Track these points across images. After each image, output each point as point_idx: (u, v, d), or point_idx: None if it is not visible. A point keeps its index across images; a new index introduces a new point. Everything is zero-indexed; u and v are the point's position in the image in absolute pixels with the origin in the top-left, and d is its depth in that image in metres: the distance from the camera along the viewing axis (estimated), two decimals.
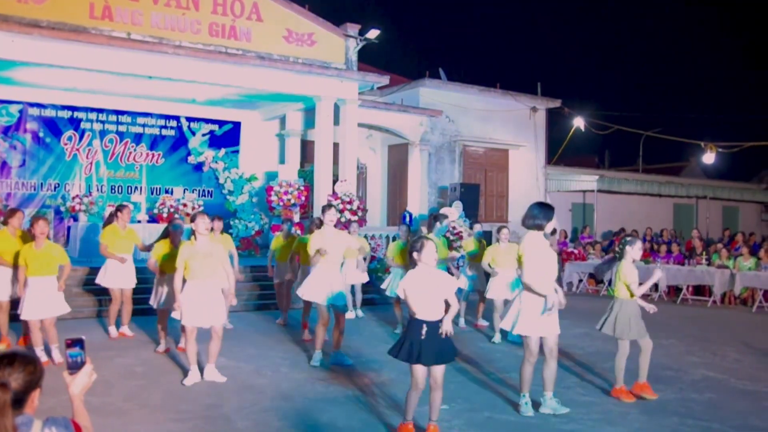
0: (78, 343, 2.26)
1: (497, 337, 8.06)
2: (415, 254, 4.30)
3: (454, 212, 13.63)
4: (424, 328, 4.20)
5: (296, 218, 12.75)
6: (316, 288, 6.45)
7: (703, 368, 6.79)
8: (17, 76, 11.66)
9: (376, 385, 5.86)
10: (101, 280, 7.90)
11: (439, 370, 4.29)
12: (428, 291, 4.26)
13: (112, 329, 7.81)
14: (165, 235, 7.24)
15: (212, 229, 7.24)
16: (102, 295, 8.89)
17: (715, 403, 5.51)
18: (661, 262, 13.17)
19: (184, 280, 5.84)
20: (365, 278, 9.57)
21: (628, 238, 5.73)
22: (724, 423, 4.92)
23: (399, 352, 4.26)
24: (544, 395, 5.16)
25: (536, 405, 5.14)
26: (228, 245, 7.94)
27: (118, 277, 7.80)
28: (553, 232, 7.87)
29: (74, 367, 2.25)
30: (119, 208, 8.06)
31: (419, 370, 4.27)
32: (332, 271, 6.51)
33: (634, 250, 5.54)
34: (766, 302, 11.63)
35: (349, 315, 9.34)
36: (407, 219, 14.85)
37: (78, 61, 10.64)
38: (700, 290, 12.68)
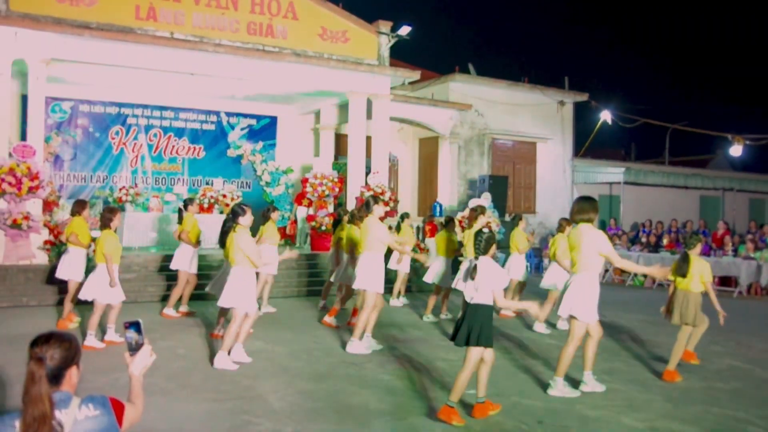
0: (134, 325, 2.36)
1: (542, 327, 8.14)
2: (492, 248, 4.70)
3: (485, 203, 13.86)
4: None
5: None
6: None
7: (729, 358, 6.83)
8: (69, 75, 12.27)
9: (408, 369, 6.05)
10: (185, 266, 8.48)
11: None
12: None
13: (173, 309, 8.44)
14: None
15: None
16: (172, 280, 9.29)
17: (741, 392, 5.50)
18: None
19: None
20: (406, 268, 9.91)
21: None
22: (750, 412, 4.90)
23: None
24: (584, 374, 5.41)
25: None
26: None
27: (195, 262, 8.63)
28: None
29: (133, 348, 2.36)
30: (192, 200, 8.92)
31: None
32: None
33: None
34: None
35: (396, 303, 9.96)
36: (437, 210, 15.17)
37: (125, 60, 11.17)
38: (726, 281, 12.71)
